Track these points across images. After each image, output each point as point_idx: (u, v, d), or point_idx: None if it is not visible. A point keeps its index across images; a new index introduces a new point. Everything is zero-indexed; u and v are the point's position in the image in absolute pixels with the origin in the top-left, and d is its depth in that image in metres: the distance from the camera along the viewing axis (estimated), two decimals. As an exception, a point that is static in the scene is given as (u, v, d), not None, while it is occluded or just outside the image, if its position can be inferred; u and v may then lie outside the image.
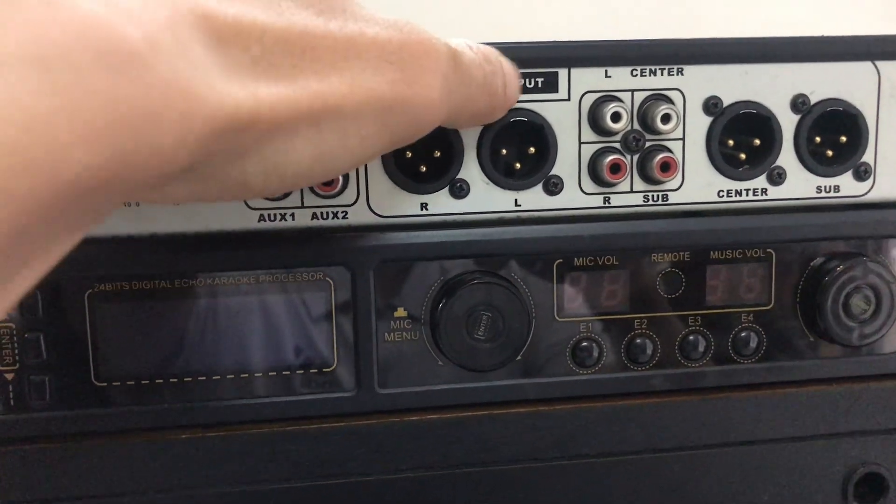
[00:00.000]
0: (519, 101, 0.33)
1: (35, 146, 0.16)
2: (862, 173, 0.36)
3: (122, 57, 0.18)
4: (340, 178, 0.33)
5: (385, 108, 0.24)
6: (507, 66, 0.31)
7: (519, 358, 0.35)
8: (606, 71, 0.34)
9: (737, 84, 0.35)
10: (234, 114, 0.20)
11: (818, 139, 0.36)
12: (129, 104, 0.18)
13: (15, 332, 0.33)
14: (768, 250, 0.36)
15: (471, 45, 0.29)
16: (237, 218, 0.33)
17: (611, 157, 0.34)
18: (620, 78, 0.34)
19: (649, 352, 0.36)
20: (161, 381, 0.34)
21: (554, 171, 0.34)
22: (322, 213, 0.33)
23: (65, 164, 0.17)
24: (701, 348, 0.36)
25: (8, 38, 0.16)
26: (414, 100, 0.25)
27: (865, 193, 0.36)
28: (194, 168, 0.21)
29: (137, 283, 0.33)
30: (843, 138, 0.36)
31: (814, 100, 0.35)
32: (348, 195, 0.33)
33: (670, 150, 0.34)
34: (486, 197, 0.34)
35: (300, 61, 0.22)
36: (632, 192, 0.35)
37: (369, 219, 0.34)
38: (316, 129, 0.23)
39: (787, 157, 0.35)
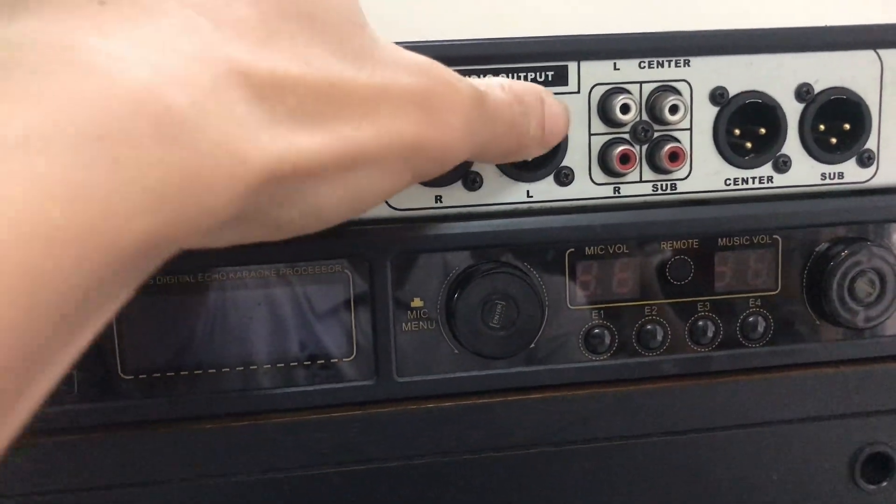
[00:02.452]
0: (529, 95, 0.34)
1: (94, 220, 0.16)
2: (865, 160, 0.37)
3: (174, 125, 0.18)
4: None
5: (411, 150, 0.25)
6: (550, 105, 0.32)
7: (532, 345, 0.36)
8: (615, 63, 0.35)
9: (742, 74, 0.35)
10: (277, 166, 0.21)
11: (822, 127, 0.37)
12: (182, 170, 0.18)
13: (42, 327, 0.34)
14: (775, 236, 0.37)
15: (505, 84, 0.30)
16: (257, 213, 0.34)
17: (620, 148, 0.35)
18: (629, 70, 0.35)
19: (660, 338, 0.37)
20: (185, 372, 0.34)
21: (565, 163, 0.35)
22: (339, 207, 0.34)
23: (124, 234, 0.17)
24: (710, 333, 0.37)
25: (71, 115, 0.16)
26: (437, 140, 0.26)
27: (869, 179, 0.37)
28: (239, 217, 0.21)
29: (162, 278, 0.34)
30: (847, 126, 0.37)
31: (818, 88, 0.36)
32: (365, 189, 0.34)
33: (678, 140, 0.35)
34: (498, 189, 0.35)
35: (333, 110, 0.23)
36: (641, 181, 0.36)
37: (385, 212, 0.34)
38: (350, 174, 0.24)
39: (792, 145, 0.36)
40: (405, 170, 0.26)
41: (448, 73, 0.27)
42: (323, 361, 0.35)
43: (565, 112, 0.33)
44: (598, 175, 0.35)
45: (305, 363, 0.35)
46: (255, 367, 0.35)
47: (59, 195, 0.16)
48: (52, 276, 0.16)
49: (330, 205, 0.24)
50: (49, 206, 0.16)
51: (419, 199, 0.35)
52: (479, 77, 0.32)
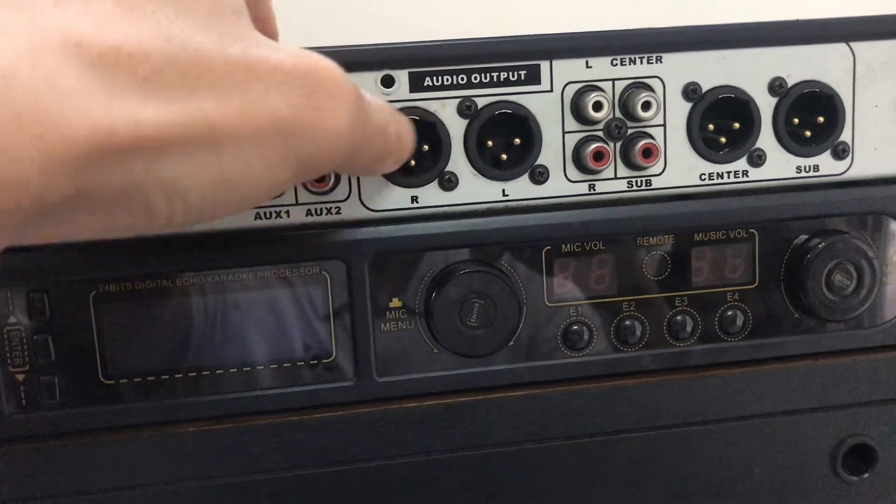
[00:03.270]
0: (503, 94, 0.34)
1: None
2: (840, 152, 0.37)
3: None
4: (332, 175, 0.34)
5: (288, 133, 0.24)
6: (400, 117, 0.31)
7: (511, 343, 0.36)
8: (587, 61, 0.35)
9: (715, 70, 0.36)
10: (105, 138, 0.20)
11: (796, 120, 0.37)
12: None
13: (24, 334, 0.34)
14: (751, 230, 0.37)
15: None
16: (235, 217, 0.34)
17: (594, 146, 0.35)
18: (601, 68, 0.35)
19: (638, 333, 0.37)
20: (166, 376, 0.35)
21: (539, 161, 0.35)
22: (316, 209, 0.34)
23: None
24: (688, 328, 0.37)
25: None
26: (321, 125, 0.25)
27: (844, 172, 0.37)
28: (84, 196, 0.21)
29: (140, 283, 0.34)
30: (821, 119, 0.37)
31: (791, 82, 0.36)
32: (341, 191, 0.34)
33: (652, 137, 0.35)
34: (474, 188, 0.35)
35: (195, 83, 0.22)
36: (616, 178, 0.36)
37: (362, 213, 0.35)
38: (214, 152, 0.23)
39: (766, 139, 0.36)
40: (284, 158, 0.24)
41: (332, 63, 0.26)
42: (303, 363, 0.36)
43: (411, 129, 0.32)
44: (573, 173, 0.36)
45: (286, 365, 0.35)
46: (235, 370, 0.35)
47: None
48: None
49: (195, 186, 0.23)
50: None
51: (395, 200, 0.35)
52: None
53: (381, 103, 0.30)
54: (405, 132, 0.32)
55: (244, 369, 0.35)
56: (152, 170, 0.22)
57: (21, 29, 0.19)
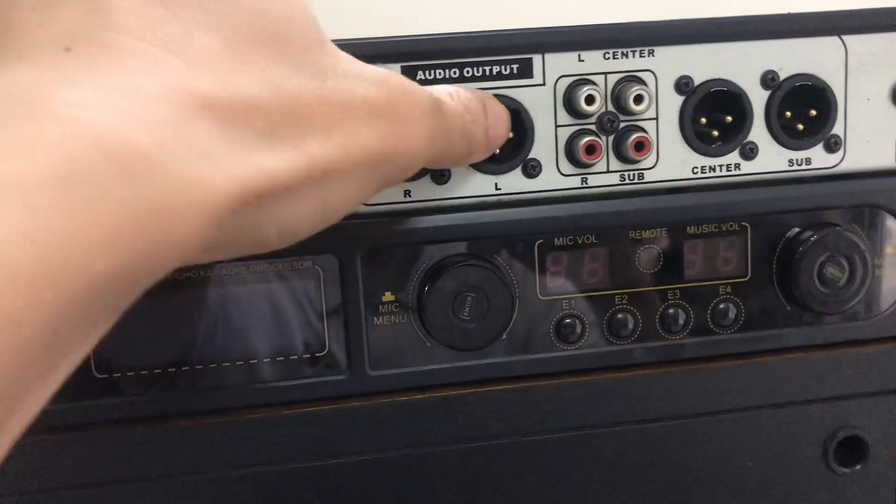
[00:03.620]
0: (496, 88, 0.34)
1: (61, 259, 0.17)
2: (832, 145, 0.37)
3: (135, 163, 0.19)
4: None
5: (377, 161, 0.26)
6: (493, 110, 0.32)
7: (504, 337, 0.36)
8: (579, 55, 0.35)
9: (707, 63, 0.36)
10: (243, 191, 0.22)
11: (788, 114, 0.37)
12: (145, 206, 0.19)
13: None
14: (743, 224, 0.37)
15: (452, 92, 0.31)
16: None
17: (586, 139, 0.35)
18: (593, 61, 0.35)
19: (631, 326, 0.37)
20: (159, 370, 0.35)
21: (532, 155, 0.35)
22: (308, 203, 0.34)
23: (90, 271, 0.18)
24: (681, 321, 0.37)
25: (32, 161, 0.17)
26: (401, 150, 0.27)
27: (836, 165, 0.37)
28: (218, 241, 0.22)
29: (132, 278, 0.34)
30: (813, 112, 0.37)
31: (783, 75, 0.36)
32: (333, 185, 0.34)
33: (644, 130, 0.35)
34: (467, 182, 0.35)
35: (300, 127, 0.24)
36: (608, 172, 0.36)
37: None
38: (319, 188, 0.25)
39: (758, 133, 0.36)
40: (372, 181, 0.27)
41: (407, 83, 0.28)
42: (296, 357, 0.36)
43: (506, 115, 0.33)
44: (566, 166, 0.36)
45: (279, 359, 0.35)
46: (229, 363, 0.35)
47: (19, 238, 0.17)
48: (24, 316, 0.17)
49: (304, 219, 0.25)
50: (11, 249, 0.17)
51: (388, 194, 0.35)
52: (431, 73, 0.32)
53: (463, 105, 0.30)
54: (496, 121, 0.32)
55: (237, 363, 0.35)
56: (269, 214, 0.23)
57: (159, 95, 0.21)
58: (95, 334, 0.21)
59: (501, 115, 0.33)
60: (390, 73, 0.27)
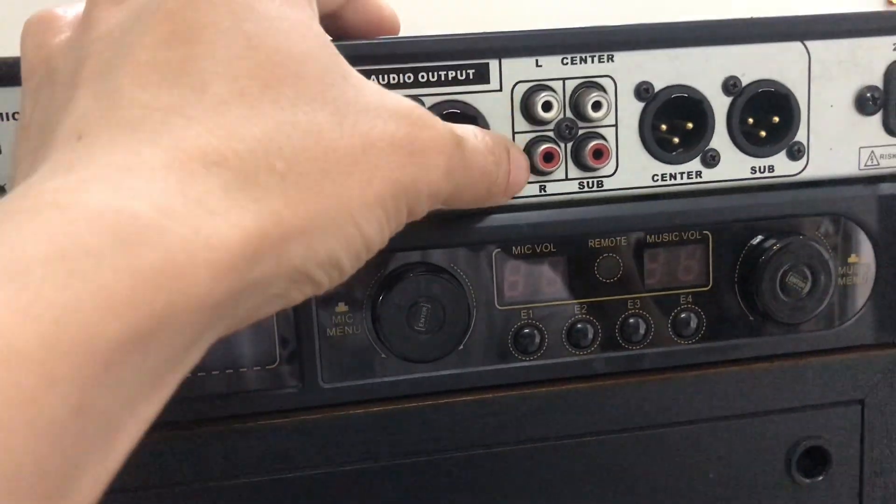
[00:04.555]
0: (451, 93, 0.34)
1: (69, 331, 0.18)
2: (795, 153, 0.36)
3: (136, 231, 0.20)
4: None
5: (403, 192, 0.26)
6: (515, 157, 0.32)
7: (461, 347, 0.35)
8: (537, 60, 0.34)
9: (667, 69, 0.35)
10: (260, 236, 0.22)
11: (751, 120, 0.36)
12: (152, 268, 0.20)
13: None
14: (705, 232, 0.37)
15: (478, 133, 0.30)
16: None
17: (544, 146, 0.34)
18: (551, 67, 0.34)
19: (590, 336, 0.36)
20: (105, 383, 0.34)
21: (489, 162, 0.34)
22: (259, 211, 0.34)
23: (100, 338, 0.18)
24: (641, 331, 0.37)
25: (33, 245, 0.19)
26: (425, 180, 0.27)
27: (799, 172, 0.37)
28: (257, 286, 0.22)
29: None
30: (776, 119, 0.36)
31: (745, 81, 0.35)
32: (284, 193, 0.33)
33: (603, 137, 0.35)
34: (422, 189, 0.34)
35: (323, 164, 0.24)
36: (567, 179, 0.35)
37: (306, 215, 0.34)
38: (349, 224, 0.25)
39: (720, 140, 0.36)
40: (402, 209, 0.27)
41: (429, 116, 0.28)
42: (246, 369, 0.35)
43: (527, 164, 0.34)
44: (523, 174, 0.35)
45: (228, 371, 0.35)
46: (177, 376, 0.34)
47: (28, 317, 0.18)
48: (46, 391, 0.17)
49: (347, 257, 0.25)
50: (22, 325, 0.18)
51: (341, 202, 0.34)
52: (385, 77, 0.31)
53: (486, 146, 0.30)
54: (517, 169, 0.33)
55: (186, 376, 0.34)
56: (303, 251, 0.24)
57: (164, 163, 0.21)
58: (146, 395, 0.21)
59: (523, 163, 0.33)
60: (414, 105, 0.27)
